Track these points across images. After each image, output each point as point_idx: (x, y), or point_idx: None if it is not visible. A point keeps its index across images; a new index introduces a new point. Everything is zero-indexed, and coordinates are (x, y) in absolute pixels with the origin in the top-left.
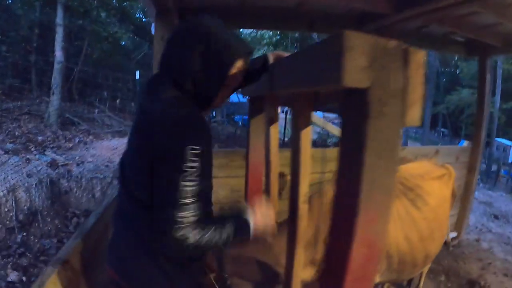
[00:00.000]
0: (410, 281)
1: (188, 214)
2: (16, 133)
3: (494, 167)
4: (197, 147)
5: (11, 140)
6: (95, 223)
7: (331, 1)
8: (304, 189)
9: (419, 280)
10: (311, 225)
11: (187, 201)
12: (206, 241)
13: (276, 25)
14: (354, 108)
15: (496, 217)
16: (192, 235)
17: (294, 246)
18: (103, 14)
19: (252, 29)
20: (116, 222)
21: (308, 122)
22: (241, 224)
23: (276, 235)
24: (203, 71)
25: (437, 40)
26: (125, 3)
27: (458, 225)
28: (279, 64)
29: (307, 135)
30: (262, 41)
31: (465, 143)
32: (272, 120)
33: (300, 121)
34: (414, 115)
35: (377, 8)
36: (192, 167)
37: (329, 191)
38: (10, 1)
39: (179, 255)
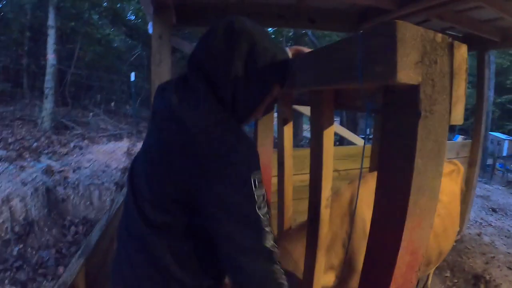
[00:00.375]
0: (418, 279)
1: (273, 243)
2: (9, 140)
3: (489, 161)
4: (259, 172)
5: (4, 147)
6: (99, 239)
7: None
8: (326, 193)
9: (427, 278)
10: (329, 229)
11: (268, 229)
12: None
13: (277, 22)
14: (402, 107)
15: (494, 210)
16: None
17: (314, 253)
18: (95, 17)
19: None
20: (123, 239)
21: (331, 121)
22: None
23: (294, 239)
24: (245, 80)
25: None
26: (118, 5)
27: (460, 220)
28: (300, 59)
29: (330, 135)
30: None
31: (459, 138)
32: (286, 120)
33: (322, 121)
34: (459, 112)
35: (381, 4)
36: (260, 195)
37: (346, 192)
38: (0, 5)
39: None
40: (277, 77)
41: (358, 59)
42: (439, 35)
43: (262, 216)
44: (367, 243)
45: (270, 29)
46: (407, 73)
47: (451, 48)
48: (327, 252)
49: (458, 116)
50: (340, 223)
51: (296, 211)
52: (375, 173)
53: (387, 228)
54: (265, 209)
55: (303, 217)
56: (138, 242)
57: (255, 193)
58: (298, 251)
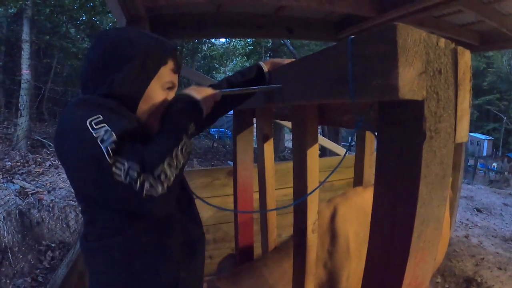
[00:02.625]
0: None
1: (123, 161)
2: None
3: (470, 162)
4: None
5: None
6: (66, 277)
7: (311, 6)
8: (313, 217)
9: None
10: None
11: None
12: (167, 162)
13: (254, 33)
14: (403, 127)
15: (479, 210)
16: (152, 177)
17: (302, 280)
18: (72, 30)
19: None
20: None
21: (315, 138)
22: (184, 107)
23: (271, 263)
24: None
25: None
26: (94, 18)
27: None
28: (280, 72)
29: (314, 154)
30: (235, 51)
31: None
32: (267, 136)
33: (306, 138)
34: (464, 129)
35: (360, 11)
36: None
37: (325, 211)
38: None
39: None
40: None
41: (348, 71)
42: (442, 39)
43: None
44: (362, 282)
45: (249, 40)
46: (410, 87)
47: (455, 54)
48: None
49: (463, 132)
50: (320, 243)
51: (280, 226)
52: (357, 189)
53: (387, 264)
54: (106, 127)
55: (288, 231)
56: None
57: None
58: (275, 275)
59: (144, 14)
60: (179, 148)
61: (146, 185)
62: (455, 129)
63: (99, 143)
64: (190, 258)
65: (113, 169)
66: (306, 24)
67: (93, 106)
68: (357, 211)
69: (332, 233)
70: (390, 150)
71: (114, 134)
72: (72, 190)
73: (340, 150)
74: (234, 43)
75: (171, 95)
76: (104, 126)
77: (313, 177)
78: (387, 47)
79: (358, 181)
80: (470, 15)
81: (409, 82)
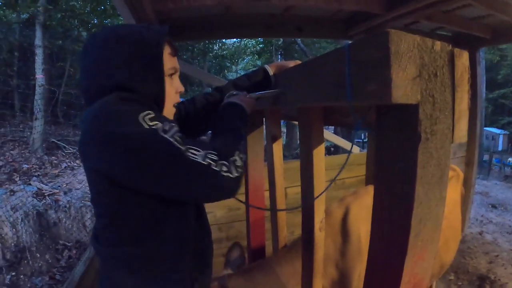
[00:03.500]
0: None
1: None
2: (0, 163)
3: (485, 157)
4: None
5: None
6: (83, 275)
7: (319, 4)
8: (320, 215)
9: (431, 286)
10: None
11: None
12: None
13: (264, 33)
14: (399, 129)
15: (494, 206)
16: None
17: (310, 278)
18: (84, 34)
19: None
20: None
21: (321, 139)
22: (237, 113)
23: (283, 261)
24: None
25: (425, 36)
26: (106, 21)
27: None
28: (285, 75)
29: (320, 154)
30: (246, 50)
31: None
32: (275, 137)
33: (311, 139)
34: (462, 130)
35: (368, 8)
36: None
37: (337, 211)
38: None
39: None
40: None
41: (346, 76)
42: (438, 43)
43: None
44: (364, 279)
45: (260, 39)
46: (404, 91)
47: (451, 57)
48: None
49: (461, 133)
50: (332, 243)
51: (292, 224)
52: (369, 188)
53: (386, 263)
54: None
55: (300, 229)
56: None
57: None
58: (287, 273)
59: (153, 17)
60: (241, 145)
61: (224, 168)
62: (452, 130)
63: (162, 133)
64: (202, 267)
65: (188, 153)
66: (315, 22)
67: (134, 102)
68: (368, 210)
69: (344, 233)
70: (387, 151)
71: (174, 125)
72: (88, 191)
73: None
74: (245, 42)
75: (175, 81)
76: (158, 120)
77: (320, 177)
78: (380, 54)
79: (370, 178)
80: (479, 9)
81: (403, 86)
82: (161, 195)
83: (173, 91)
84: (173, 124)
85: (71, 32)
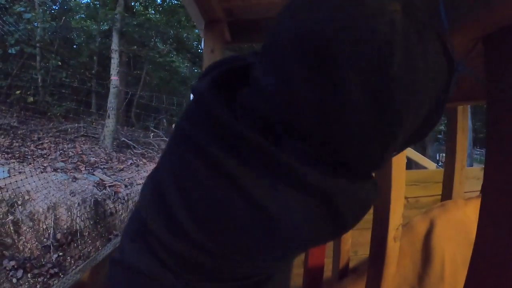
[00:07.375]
0: None
1: None
2: (70, 154)
3: None
4: None
5: (63, 159)
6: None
7: None
8: (396, 221)
9: None
10: (396, 271)
11: None
12: None
13: None
14: None
15: None
16: None
17: None
18: (159, 44)
19: None
20: None
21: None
22: None
23: (360, 280)
24: None
25: None
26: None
27: None
28: None
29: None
30: None
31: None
32: None
33: None
34: None
35: None
36: None
37: (419, 224)
38: (74, 36)
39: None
40: None
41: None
42: None
43: None
44: None
45: None
46: None
47: None
48: None
49: None
50: (411, 264)
51: (356, 243)
52: (458, 201)
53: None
54: None
55: (366, 249)
56: None
57: None
58: None
59: (222, 16)
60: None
61: None
62: None
63: None
64: None
65: None
66: None
67: None
68: (456, 227)
69: (425, 253)
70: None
71: None
72: None
73: (427, 162)
74: None
75: None
76: None
77: (400, 175)
78: None
79: (446, 198)
80: None
81: None
82: None
83: None
84: None
85: (147, 41)
